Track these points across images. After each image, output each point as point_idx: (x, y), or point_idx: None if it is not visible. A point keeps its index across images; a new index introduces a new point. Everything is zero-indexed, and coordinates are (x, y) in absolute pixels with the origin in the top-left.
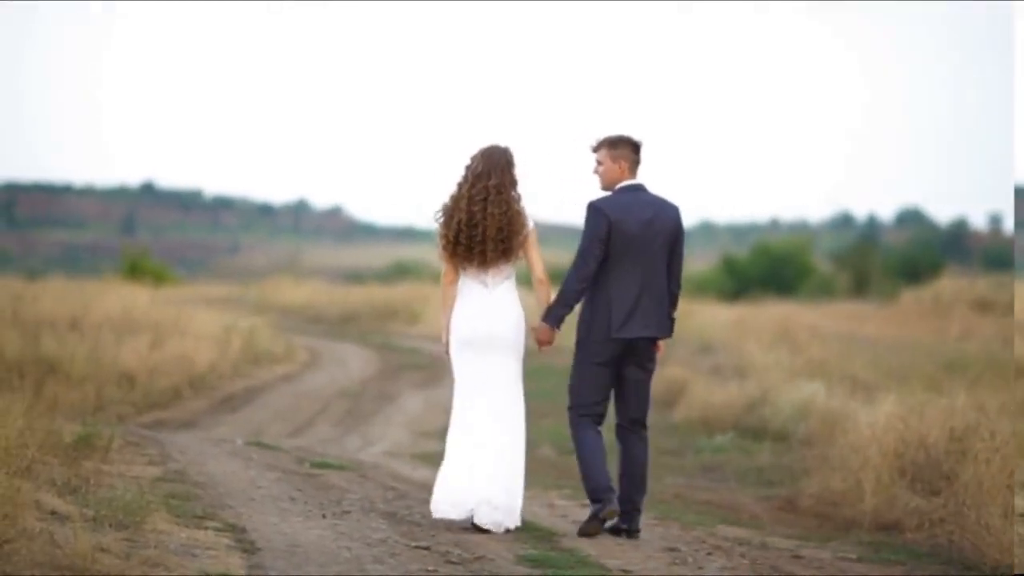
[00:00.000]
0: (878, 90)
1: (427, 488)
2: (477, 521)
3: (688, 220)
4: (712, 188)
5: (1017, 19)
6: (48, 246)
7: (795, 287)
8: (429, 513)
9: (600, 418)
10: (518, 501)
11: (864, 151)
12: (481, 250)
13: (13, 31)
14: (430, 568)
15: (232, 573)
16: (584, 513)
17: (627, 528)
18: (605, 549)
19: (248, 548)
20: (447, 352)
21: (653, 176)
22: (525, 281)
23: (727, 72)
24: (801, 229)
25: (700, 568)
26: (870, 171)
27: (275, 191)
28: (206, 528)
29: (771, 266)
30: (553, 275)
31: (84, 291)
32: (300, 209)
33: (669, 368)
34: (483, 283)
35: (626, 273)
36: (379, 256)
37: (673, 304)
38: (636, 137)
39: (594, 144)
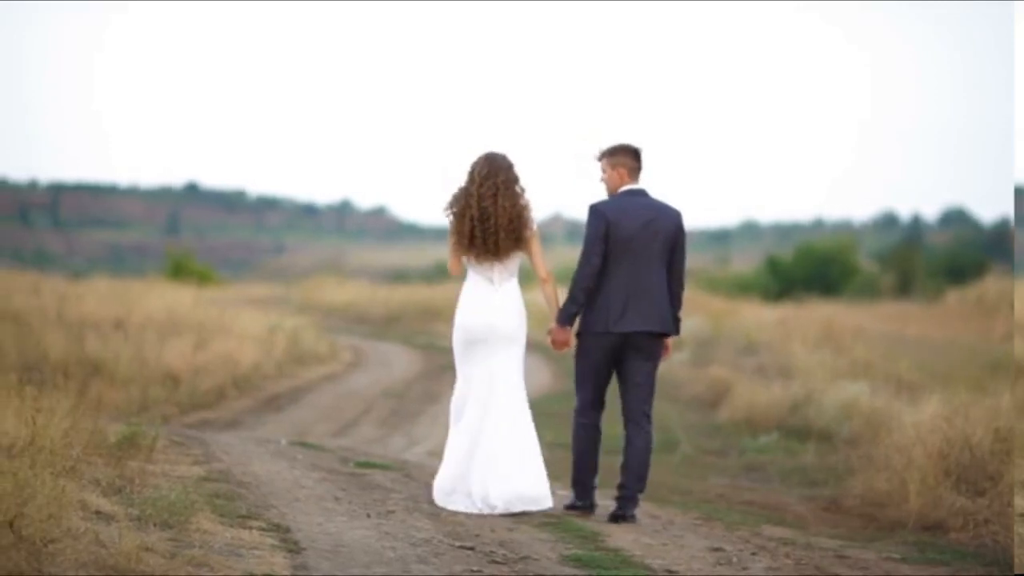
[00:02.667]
0: (925, 89)
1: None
2: (495, 510)
3: (732, 220)
4: (756, 188)
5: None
6: (92, 246)
7: (839, 287)
8: (474, 513)
9: (600, 405)
10: (543, 485)
11: (909, 150)
12: (495, 240)
13: (58, 32)
14: (474, 568)
15: (277, 573)
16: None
17: (622, 514)
18: (649, 549)
19: (292, 548)
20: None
21: (697, 176)
22: (528, 279)
23: (773, 72)
24: (845, 229)
25: (745, 568)
26: (915, 170)
27: (319, 191)
28: (251, 528)
29: (815, 266)
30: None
31: (128, 291)
32: (344, 209)
33: (713, 369)
34: (490, 280)
35: (623, 271)
36: (423, 256)
37: (677, 303)
38: (634, 145)
39: (597, 155)
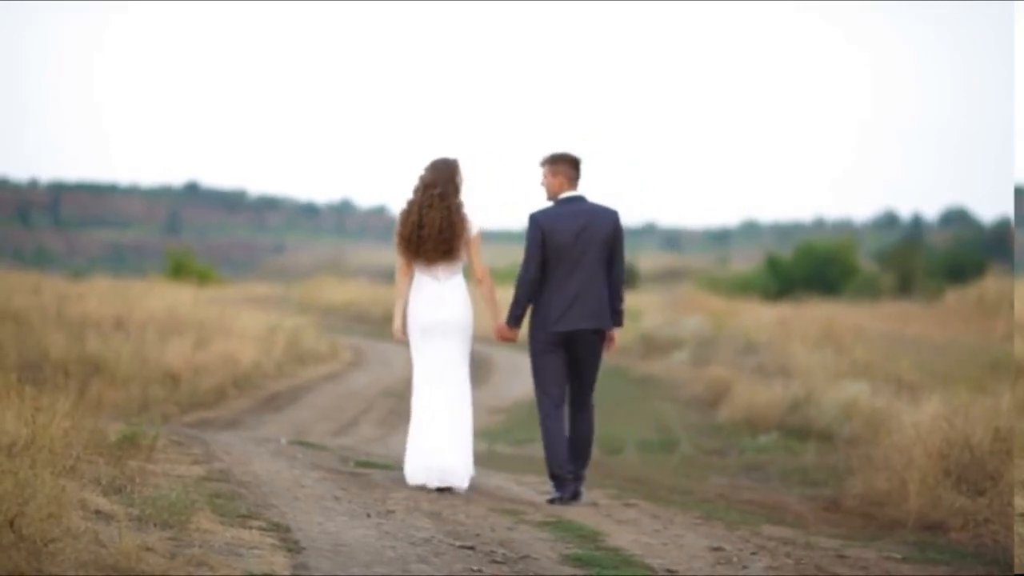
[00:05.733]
0: (925, 89)
1: (472, 488)
2: (438, 484)
3: (732, 219)
4: (756, 187)
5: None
6: (93, 246)
7: (839, 287)
8: (474, 513)
9: (560, 399)
10: (470, 464)
11: (909, 150)
12: (425, 249)
13: (58, 32)
14: (475, 568)
15: (277, 572)
16: (628, 512)
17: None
18: (650, 548)
19: (292, 547)
20: (398, 337)
21: (698, 176)
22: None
23: (773, 72)
24: (845, 228)
25: (745, 567)
26: (915, 170)
27: (319, 191)
28: (251, 527)
29: (815, 266)
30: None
31: (129, 291)
32: (344, 209)
33: (713, 368)
34: (435, 278)
35: (563, 274)
36: None
37: (618, 298)
38: (575, 154)
39: (541, 160)
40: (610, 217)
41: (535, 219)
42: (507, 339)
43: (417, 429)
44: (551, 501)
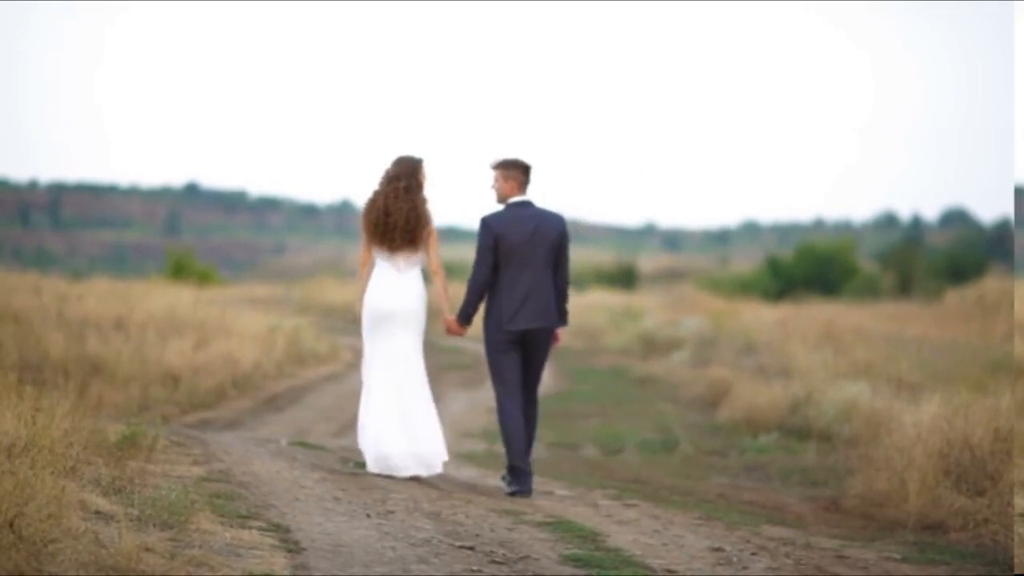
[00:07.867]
0: (926, 90)
1: (472, 488)
2: (404, 474)
3: (732, 220)
4: (756, 188)
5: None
6: (93, 246)
7: (839, 287)
8: (474, 513)
9: (515, 388)
10: (440, 445)
11: (909, 150)
12: (391, 237)
13: (58, 32)
14: (474, 568)
15: (276, 573)
16: (628, 513)
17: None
18: (649, 549)
19: (292, 548)
20: (361, 322)
21: (698, 176)
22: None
23: (773, 72)
24: (845, 229)
25: (745, 568)
26: (915, 170)
27: (319, 191)
28: (250, 528)
29: (815, 266)
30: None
31: (129, 291)
32: (344, 209)
33: (713, 368)
34: (395, 267)
35: (514, 276)
36: None
37: (563, 298)
38: (527, 161)
39: (492, 163)
40: (557, 222)
41: (487, 223)
42: (456, 334)
43: (368, 419)
44: (511, 494)
